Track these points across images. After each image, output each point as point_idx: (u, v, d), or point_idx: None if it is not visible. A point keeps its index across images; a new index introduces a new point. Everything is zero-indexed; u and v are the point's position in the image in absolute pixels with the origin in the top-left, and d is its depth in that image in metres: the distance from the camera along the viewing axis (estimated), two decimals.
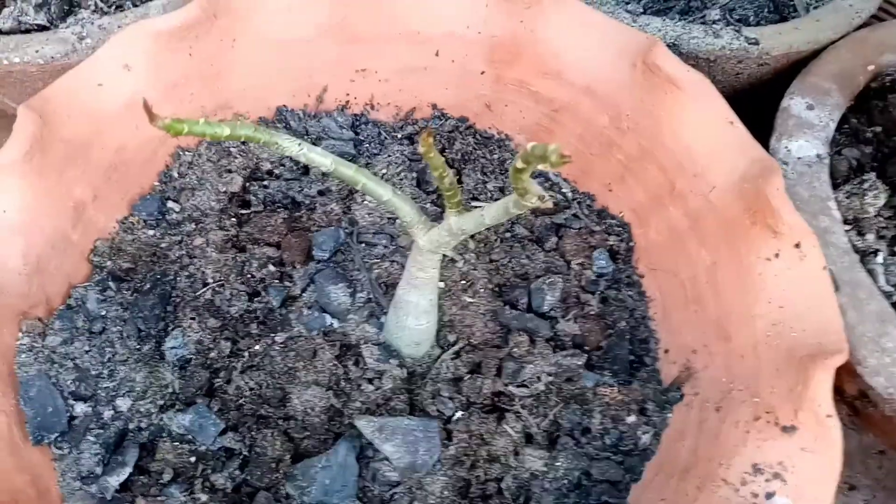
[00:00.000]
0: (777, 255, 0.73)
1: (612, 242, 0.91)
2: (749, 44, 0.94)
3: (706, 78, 0.83)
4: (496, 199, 0.95)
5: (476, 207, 0.94)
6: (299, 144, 0.61)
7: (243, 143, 0.96)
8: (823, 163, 0.84)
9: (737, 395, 0.70)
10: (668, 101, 0.84)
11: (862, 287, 0.75)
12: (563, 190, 0.96)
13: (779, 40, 0.96)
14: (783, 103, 0.91)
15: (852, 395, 0.80)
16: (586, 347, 0.82)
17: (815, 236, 0.72)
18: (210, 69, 0.93)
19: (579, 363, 0.79)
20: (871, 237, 0.82)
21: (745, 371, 0.71)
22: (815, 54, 0.98)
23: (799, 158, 0.85)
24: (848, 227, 0.82)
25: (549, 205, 0.56)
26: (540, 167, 0.49)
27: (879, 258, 0.81)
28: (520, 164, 0.53)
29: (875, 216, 0.83)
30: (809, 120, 0.88)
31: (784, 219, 0.72)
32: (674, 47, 0.96)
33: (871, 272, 0.79)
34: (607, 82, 0.90)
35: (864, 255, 0.80)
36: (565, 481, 0.74)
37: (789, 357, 0.68)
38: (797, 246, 0.72)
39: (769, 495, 0.63)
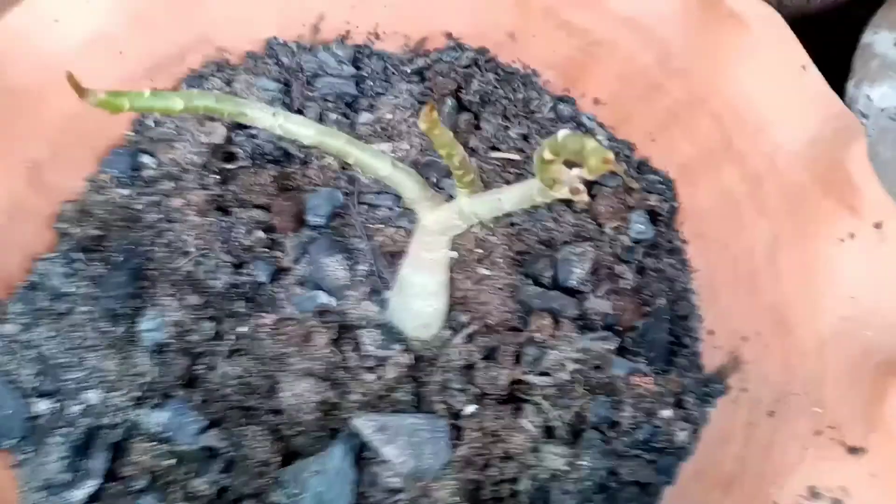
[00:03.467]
0: (852, 237, 0.61)
1: (652, 203, 0.79)
2: None
3: (776, 12, 0.68)
4: (519, 149, 0.83)
5: (496, 158, 0.84)
6: (273, 114, 0.50)
7: (227, 84, 0.83)
8: None
9: (795, 401, 0.60)
10: (728, 39, 0.70)
11: None
12: (598, 137, 0.83)
13: None
14: (864, 38, 0.76)
15: None
16: (618, 328, 0.72)
17: None
18: (184, 0, 0.80)
19: (610, 348, 0.69)
20: None
21: (806, 373, 0.61)
22: None
23: (882, 110, 0.71)
24: None
25: (585, 198, 0.45)
26: (575, 171, 0.38)
27: None
28: (547, 155, 0.42)
29: None
30: None
31: (864, 194, 0.60)
32: None
33: None
34: (655, 14, 0.76)
35: None
36: (589, 482, 0.65)
37: (862, 362, 0.57)
38: (877, 226, 0.60)
39: None
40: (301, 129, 0.51)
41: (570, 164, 0.44)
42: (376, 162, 0.54)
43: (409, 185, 0.56)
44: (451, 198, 0.75)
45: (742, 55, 0.71)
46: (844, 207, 0.62)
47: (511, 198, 0.51)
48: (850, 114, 0.65)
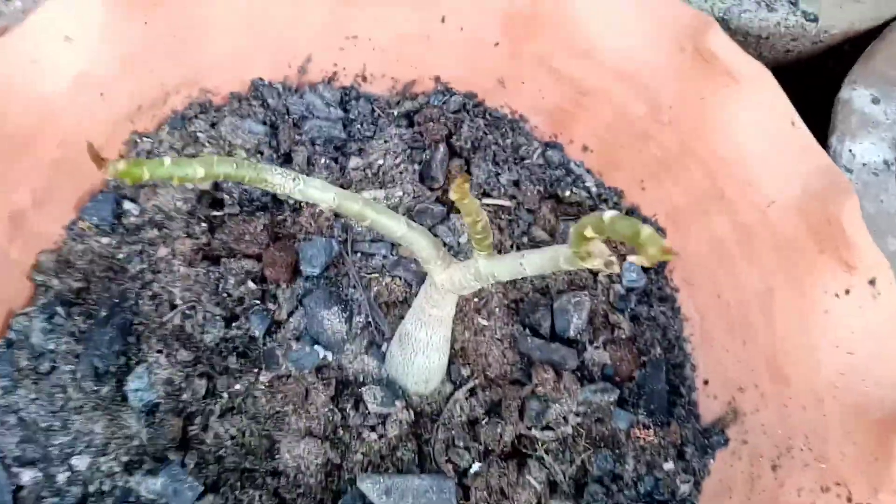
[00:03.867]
0: (847, 292, 0.63)
1: (614, 272, 0.79)
2: (807, 20, 0.81)
3: (766, 69, 0.70)
4: (509, 195, 0.83)
5: (485, 204, 0.83)
6: (294, 179, 0.49)
7: (212, 126, 0.81)
8: (892, 170, 0.74)
9: (798, 456, 0.62)
10: (721, 94, 0.72)
11: None
12: (587, 184, 0.84)
13: (839, 17, 0.83)
14: (843, 94, 0.79)
15: None
16: (617, 379, 0.73)
17: (891, 271, 0.62)
18: (172, 39, 0.78)
19: (611, 400, 0.69)
20: None
21: (807, 426, 0.62)
22: (876, 31, 0.85)
23: (864, 164, 0.74)
24: None
25: (616, 270, 0.45)
26: (633, 258, 0.37)
27: None
28: (589, 234, 0.42)
29: None
30: (875, 117, 0.77)
31: (859, 250, 0.62)
32: (722, 22, 0.82)
33: None
34: (646, 66, 0.77)
35: None
36: None
37: (860, 416, 0.59)
38: (871, 283, 0.62)
39: None
40: (321, 195, 0.49)
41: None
42: (392, 224, 0.53)
43: (423, 245, 0.55)
44: (453, 246, 0.75)
45: (732, 109, 0.72)
46: (839, 263, 0.63)
47: (534, 263, 0.50)
48: (838, 170, 0.67)
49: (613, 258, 0.44)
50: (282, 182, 0.47)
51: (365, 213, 0.52)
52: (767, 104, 0.70)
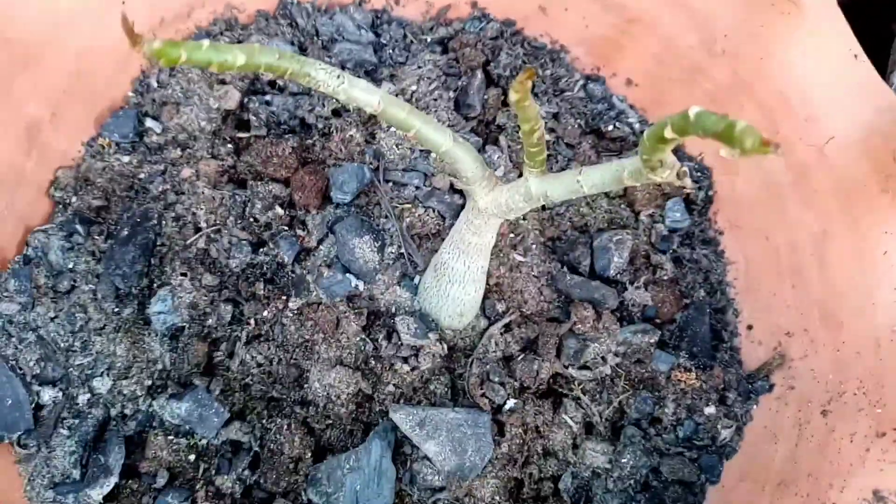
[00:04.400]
0: None
1: (689, 189, 0.76)
2: None
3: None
4: (549, 128, 0.79)
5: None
6: (338, 76, 0.45)
7: (239, 41, 0.77)
8: None
9: (851, 401, 0.59)
10: (781, 23, 0.67)
11: None
12: (630, 120, 0.80)
13: None
14: None
15: None
16: (658, 320, 0.70)
17: None
18: None
19: (652, 341, 0.66)
20: None
21: (863, 371, 0.59)
22: None
23: None
24: None
25: (689, 184, 0.41)
26: (724, 151, 0.34)
27: None
28: (669, 134, 0.38)
29: None
30: None
31: None
32: None
33: None
34: None
35: None
36: (631, 481, 0.63)
37: None
38: None
39: None
40: (367, 96, 0.46)
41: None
42: (437, 136, 0.49)
43: (468, 162, 0.51)
44: (504, 178, 0.72)
45: (792, 39, 0.68)
46: None
47: (593, 179, 0.47)
48: None
49: (686, 169, 0.41)
50: (325, 79, 0.43)
51: (410, 121, 0.48)
52: (830, 35, 0.66)
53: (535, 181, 0.50)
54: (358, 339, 0.62)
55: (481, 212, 0.55)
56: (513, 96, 0.43)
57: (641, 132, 0.80)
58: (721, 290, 0.72)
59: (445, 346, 0.63)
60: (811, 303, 0.65)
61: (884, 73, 0.75)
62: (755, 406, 0.66)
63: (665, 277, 0.71)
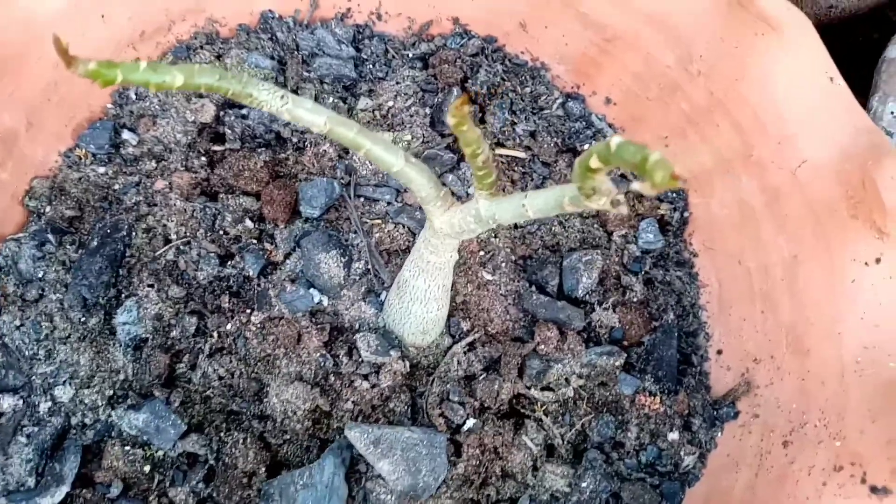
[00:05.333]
0: (878, 261, 0.59)
1: (663, 211, 0.75)
2: None
3: (807, 18, 0.65)
4: (525, 146, 0.79)
5: (502, 155, 0.79)
6: (282, 97, 0.45)
7: (217, 58, 0.78)
8: None
9: (812, 432, 0.58)
10: (757, 44, 0.67)
11: None
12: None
13: None
14: (888, 52, 0.73)
15: None
16: (625, 343, 0.69)
17: None
18: None
19: (617, 364, 0.66)
20: None
21: (825, 402, 0.58)
22: None
23: None
24: None
25: (624, 210, 0.41)
26: (636, 185, 0.34)
27: None
28: (594, 164, 0.38)
29: None
30: None
31: (894, 216, 0.57)
32: None
33: None
34: (681, 12, 0.71)
35: None
36: None
37: (882, 393, 0.55)
38: None
39: None
40: (312, 116, 0.46)
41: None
42: (388, 156, 0.49)
43: (421, 183, 0.51)
44: (462, 197, 0.72)
45: (768, 60, 0.67)
46: (872, 229, 0.59)
47: (538, 204, 0.47)
48: (878, 130, 0.62)
49: (621, 197, 0.40)
50: (268, 99, 0.44)
51: (359, 140, 0.48)
52: (806, 57, 0.65)
53: (484, 203, 0.50)
54: (318, 354, 0.62)
55: (437, 231, 0.55)
56: (450, 121, 0.43)
57: None
58: (694, 313, 0.71)
59: (407, 364, 0.63)
60: (780, 329, 0.64)
61: (867, 93, 0.74)
62: (720, 433, 0.65)
63: (634, 299, 0.70)
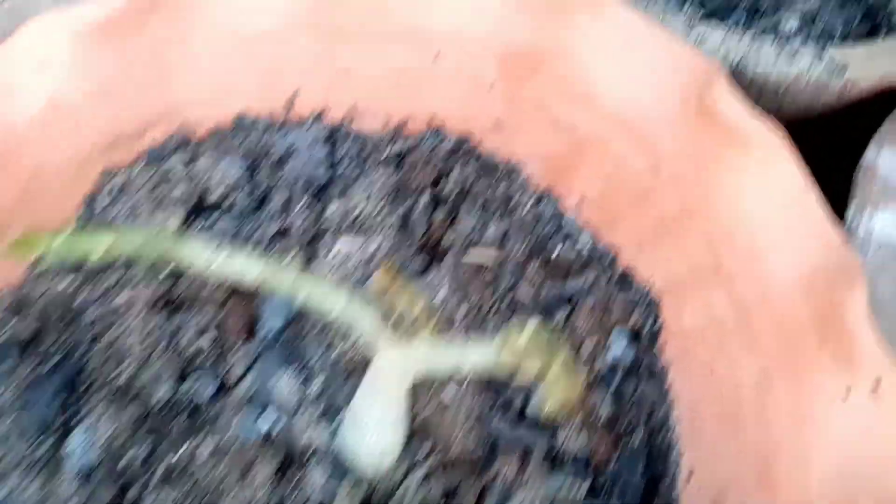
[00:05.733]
0: (847, 392, 0.56)
1: (633, 320, 0.73)
2: (833, 72, 0.73)
3: (778, 131, 0.63)
4: (497, 248, 0.78)
5: (469, 263, 0.78)
6: (212, 253, 0.45)
7: (189, 162, 0.78)
8: None
9: None
10: (724, 155, 0.65)
11: None
12: (579, 244, 0.78)
13: (869, 68, 0.75)
14: (867, 157, 0.71)
15: None
16: (592, 465, 0.66)
17: None
18: (150, 71, 0.75)
19: (580, 493, 0.63)
20: None
21: None
22: None
23: (885, 238, 0.66)
24: None
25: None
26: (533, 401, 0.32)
27: None
28: (505, 357, 0.37)
29: None
30: None
31: (863, 347, 0.55)
32: (737, 72, 0.75)
33: None
34: (648, 117, 0.70)
35: None
36: None
37: None
38: (875, 385, 0.55)
39: None
40: (244, 271, 0.45)
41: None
42: (327, 301, 0.49)
43: (363, 325, 0.51)
44: (443, 303, 0.70)
45: (736, 173, 0.66)
46: (841, 359, 0.56)
47: (471, 363, 0.45)
48: (850, 250, 0.60)
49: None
50: (198, 258, 0.43)
51: (297, 286, 0.48)
52: (776, 170, 0.63)
53: (423, 350, 0.49)
54: (268, 486, 0.61)
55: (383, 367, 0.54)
56: (376, 287, 0.42)
57: (590, 255, 0.78)
58: (665, 432, 0.69)
59: (360, 496, 0.61)
60: (748, 452, 0.62)
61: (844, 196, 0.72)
62: None
63: (603, 416, 0.68)
